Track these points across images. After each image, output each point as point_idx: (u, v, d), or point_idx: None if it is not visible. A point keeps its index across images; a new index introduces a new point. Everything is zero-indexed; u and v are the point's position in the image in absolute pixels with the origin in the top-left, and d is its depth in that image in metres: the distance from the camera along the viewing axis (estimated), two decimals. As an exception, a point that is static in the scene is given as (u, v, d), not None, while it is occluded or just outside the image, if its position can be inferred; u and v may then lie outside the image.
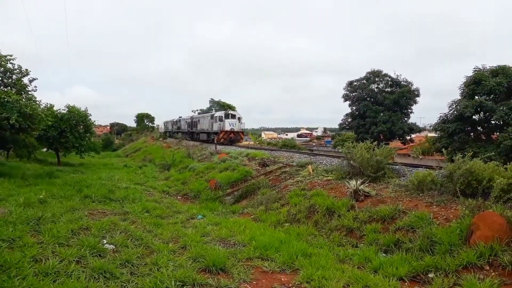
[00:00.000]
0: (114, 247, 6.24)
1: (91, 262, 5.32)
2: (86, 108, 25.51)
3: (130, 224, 8.12)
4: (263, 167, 18.45)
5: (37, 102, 16.62)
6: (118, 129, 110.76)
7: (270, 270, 5.94)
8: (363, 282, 5.42)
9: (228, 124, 35.68)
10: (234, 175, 17.20)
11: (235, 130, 35.86)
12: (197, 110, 70.86)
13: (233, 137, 35.66)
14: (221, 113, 37.34)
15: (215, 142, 34.49)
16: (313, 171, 14.87)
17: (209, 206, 13.14)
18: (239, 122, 36.88)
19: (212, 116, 38.71)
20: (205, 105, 72.34)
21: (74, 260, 5.32)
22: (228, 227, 8.72)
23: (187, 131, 48.10)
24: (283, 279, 5.63)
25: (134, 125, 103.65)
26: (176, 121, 57.79)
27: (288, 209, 11.13)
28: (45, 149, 27.06)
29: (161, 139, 56.41)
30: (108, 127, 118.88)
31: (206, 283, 5.17)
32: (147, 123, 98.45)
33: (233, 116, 36.72)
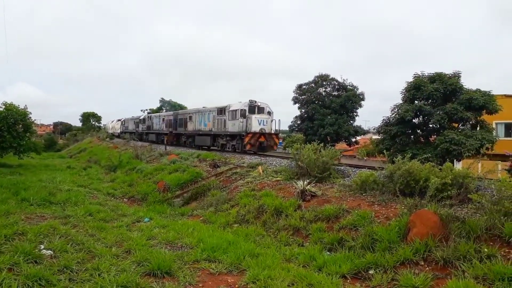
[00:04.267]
0: (52, 252, 5.93)
1: (25, 269, 5.02)
2: (26, 106, 24.09)
3: (71, 228, 7.77)
4: (214, 168, 18.36)
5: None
6: (62, 128, 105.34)
7: (217, 271, 5.93)
8: (307, 281, 5.56)
9: (257, 122, 21.92)
10: (184, 176, 16.96)
11: (267, 131, 22.15)
12: (146, 110, 69.07)
13: (265, 143, 22.16)
14: (242, 105, 22.91)
15: (241, 149, 22.25)
16: (263, 172, 15.04)
17: (157, 208, 12.85)
18: (270, 118, 23.37)
19: (221, 111, 24.88)
20: (156, 104, 70.71)
21: (5, 268, 5.00)
22: (176, 229, 8.59)
23: (168, 132, 34.81)
24: (229, 280, 5.64)
25: (80, 124, 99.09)
26: (143, 119, 45.90)
27: (238, 210, 11.17)
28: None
29: (107, 139, 54.18)
30: (52, 127, 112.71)
31: (150, 287, 5.07)
32: (93, 123, 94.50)
33: (262, 110, 23.15)
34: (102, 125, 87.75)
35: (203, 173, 17.56)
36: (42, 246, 6.13)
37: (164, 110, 60.70)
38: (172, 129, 34.25)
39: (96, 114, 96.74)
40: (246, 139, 21.50)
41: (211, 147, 26.49)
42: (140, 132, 45.79)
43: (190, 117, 30.32)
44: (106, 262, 5.68)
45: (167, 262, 5.80)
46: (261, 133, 21.87)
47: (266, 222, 9.83)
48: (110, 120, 67.65)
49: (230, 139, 23.81)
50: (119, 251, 6.44)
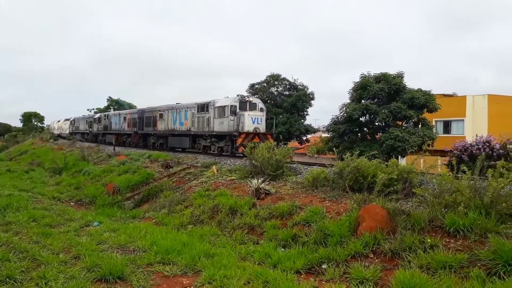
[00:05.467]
0: (-8, 263, 5.53)
1: (-39, 283, 4.65)
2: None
3: (13, 236, 7.29)
4: (166, 169, 18.01)
5: None
6: (0, 129, 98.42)
7: (171, 274, 5.82)
8: (263, 278, 5.62)
9: (251, 120, 18.92)
10: (135, 178, 16.50)
11: (261, 131, 19.27)
12: (93, 109, 66.30)
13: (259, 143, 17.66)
14: (232, 100, 19.69)
15: (231, 151, 19.28)
16: (217, 171, 14.98)
17: (107, 212, 12.41)
18: (265, 116, 20.46)
19: (203, 107, 21.42)
20: (103, 103, 68.03)
21: None
22: (128, 233, 8.32)
23: (132, 133, 30.89)
24: (184, 282, 5.57)
25: (20, 125, 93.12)
26: (99, 118, 40.30)
27: (192, 211, 11.04)
28: None
29: (51, 140, 51.23)
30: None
31: (101, 293, 4.89)
32: (35, 123, 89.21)
33: (254, 106, 19.88)
34: (45, 126, 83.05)
35: (155, 174, 17.18)
36: (-20, 257, 5.70)
37: (112, 109, 58.43)
38: (137, 129, 29.86)
39: (39, 114, 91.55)
40: (239, 140, 18.15)
41: (186, 149, 23.71)
42: (95, 132, 41.03)
43: (161, 115, 26.38)
44: (53, 270, 5.40)
45: (119, 266, 5.61)
46: (255, 133, 18.80)
47: (221, 221, 9.80)
48: (56, 120, 62.39)
49: (216, 140, 20.49)
50: (67, 258, 6.14)
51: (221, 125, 19.84)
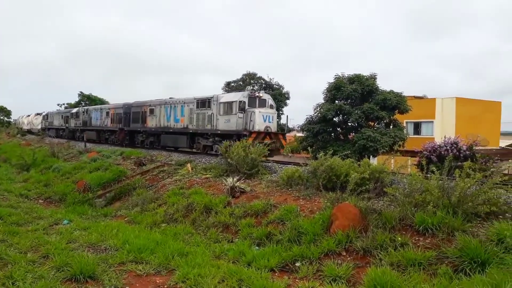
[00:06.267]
0: (-46, 263, 5.29)
1: None
2: None
3: (-24, 235, 7.00)
4: (139, 166, 17.74)
5: None
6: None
7: (144, 273, 5.74)
8: (237, 276, 5.62)
9: (262, 118, 16.92)
10: (106, 175, 16.17)
11: (272, 130, 17.31)
12: (63, 104, 64.42)
13: (271, 145, 15.98)
14: (241, 96, 17.75)
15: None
16: (192, 169, 14.87)
17: (77, 209, 12.10)
18: (276, 113, 18.68)
19: (204, 103, 19.30)
20: (74, 98, 66.18)
21: None
22: (99, 231, 8.14)
23: (117, 129, 28.08)
24: (158, 281, 5.50)
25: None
26: (76, 112, 37.47)
27: (166, 209, 10.93)
28: None
29: (18, 135, 49.32)
30: None
31: (72, 293, 4.77)
32: (1, 117, 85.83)
33: (264, 102, 17.95)
34: (12, 120, 79.96)
35: (128, 171, 16.91)
36: None
37: (83, 104, 56.83)
38: (122, 125, 27.23)
39: (5, 108, 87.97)
40: (250, 140, 15.54)
41: (178, 148, 21.89)
42: (72, 128, 37.79)
43: (152, 110, 23.87)
44: (20, 269, 5.22)
45: (90, 265, 5.48)
46: (267, 133, 16.78)
47: (195, 220, 9.75)
48: (25, 114, 58.77)
49: (220, 140, 17.55)
50: (36, 257, 5.95)
51: (227, 123, 17.67)
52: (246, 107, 17.09)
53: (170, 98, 22.91)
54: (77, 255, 6.03)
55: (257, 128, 16.57)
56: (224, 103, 17.94)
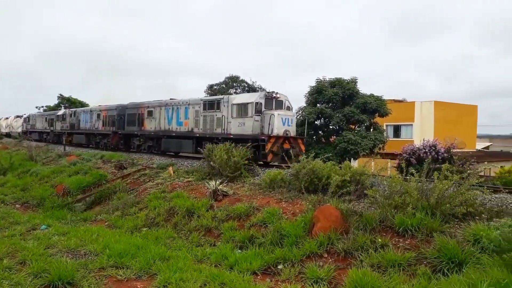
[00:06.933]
0: None
1: None
2: None
3: (-51, 242, 6.77)
4: (120, 170, 17.51)
5: None
6: None
7: (125, 278, 5.66)
8: (219, 280, 5.60)
9: (281, 122, 15.55)
10: (86, 179, 15.90)
11: (291, 134, 15.96)
12: (42, 107, 62.96)
13: (290, 151, 13.25)
14: (257, 97, 16.20)
15: (257, 159, 15.30)
16: (174, 172, 14.75)
17: (56, 214, 11.86)
18: (294, 116, 17.81)
19: (213, 104, 17.76)
20: (53, 101, 64.73)
21: None
22: (78, 236, 7.99)
23: (110, 133, 25.75)
24: (139, 286, 5.44)
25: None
26: (63, 115, 35.13)
27: (147, 213, 10.82)
28: None
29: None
30: None
31: (50, 300, 4.66)
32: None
33: (280, 104, 16.43)
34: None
35: (108, 175, 16.66)
36: None
37: (63, 107, 55.69)
38: (116, 128, 25.20)
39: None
40: (268, 146, 14.52)
41: (179, 153, 20.13)
42: (58, 132, 35.03)
43: (150, 112, 21.99)
44: (-4, 277, 5.08)
45: (69, 271, 5.36)
46: (286, 137, 15.37)
47: (177, 224, 9.68)
48: (3, 117, 56.41)
49: (232, 145, 15.27)
50: (12, 263, 5.79)
51: (241, 127, 16.00)
52: (263, 109, 15.73)
53: (171, 99, 21.45)
54: (56, 260, 5.90)
55: (276, 132, 15.12)
56: (238, 104, 16.32)
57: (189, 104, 19.19)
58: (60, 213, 12.09)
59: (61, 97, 63.15)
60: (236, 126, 16.18)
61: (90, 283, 5.30)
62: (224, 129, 16.72)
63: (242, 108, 16.11)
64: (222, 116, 16.84)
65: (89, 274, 5.66)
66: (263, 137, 14.84)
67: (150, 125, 22.05)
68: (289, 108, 16.65)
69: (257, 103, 15.58)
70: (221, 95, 18.44)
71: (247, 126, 15.71)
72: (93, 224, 10.72)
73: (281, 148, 14.79)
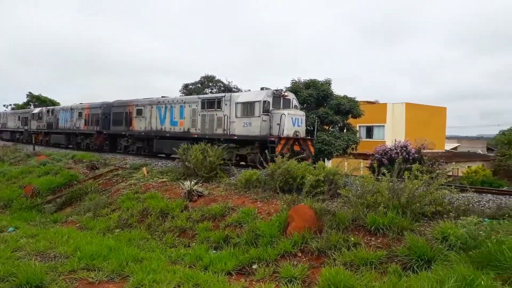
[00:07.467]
0: None
1: None
2: None
3: None
4: (92, 170, 17.14)
5: None
6: None
7: (97, 280, 5.55)
8: (193, 281, 5.57)
9: (291, 122, 14.45)
10: (57, 179, 15.47)
11: (301, 135, 14.85)
12: (10, 105, 60.74)
13: (301, 152, 14.34)
14: (265, 95, 14.69)
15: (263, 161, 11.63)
16: (148, 173, 14.55)
17: (24, 216, 11.52)
18: (304, 116, 15.78)
19: (213, 103, 16.43)
20: (22, 99, 62.53)
21: None
22: (48, 238, 7.76)
23: (94, 132, 23.99)
24: (111, 288, 5.34)
25: None
26: (39, 113, 32.55)
27: (120, 214, 10.64)
28: None
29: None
30: None
31: (17, 305, 4.52)
32: None
33: (288, 103, 15.42)
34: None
35: (80, 175, 16.27)
36: None
37: (32, 106, 53.87)
38: (100, 127, 23.54)
39: None
40: (278, 148, 13.39)
41: (173, 156, 17.91)
42: (33, 131, 32.85)
43: (139, 111, 20.39)
44: (-41, 282, 4.88)
45: (37, 274, 5.21)
46: (296, 139, 14.35)
47: (151, 225, 9.55)
48: None
49: (236, 147, 15.25)
50: (-24, 268, 5.58)
51: (247, 127, 14.82)
52: (271, 108, 14.60)
53: (163, 97, 19.92)
54: (23, 264, 5.72)
55: (285, 133, 14.00)
56: (243, 103, 15.05)
57: (184, 103, 17.95)
58: (29, 215, 11.75)
59: (30, 95, 61.10)
60: (241, 127, 15.01)
61: (60, 286, 5.18)
62: (226, 130, 15.53)
63: (248, 107, 14.89)
64: (224, 115, 15.62)
65: (59, 277, 5.52)
66: (273, 139, 13.73)
67: (139, 125, 20.52)
68: (297, 107, 15.77)
69: (265, 101, 14.44)
70: (223, 93, 17.08)
71: (253, 126, 14.56)
72: (63, 226, 10.44)
73: (291, 150, 13.83)
